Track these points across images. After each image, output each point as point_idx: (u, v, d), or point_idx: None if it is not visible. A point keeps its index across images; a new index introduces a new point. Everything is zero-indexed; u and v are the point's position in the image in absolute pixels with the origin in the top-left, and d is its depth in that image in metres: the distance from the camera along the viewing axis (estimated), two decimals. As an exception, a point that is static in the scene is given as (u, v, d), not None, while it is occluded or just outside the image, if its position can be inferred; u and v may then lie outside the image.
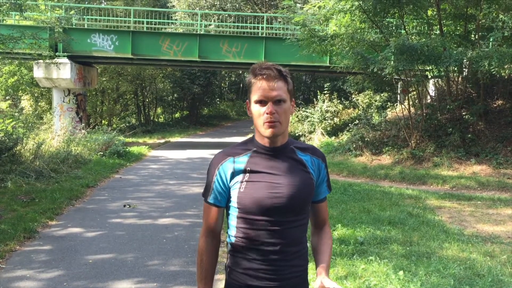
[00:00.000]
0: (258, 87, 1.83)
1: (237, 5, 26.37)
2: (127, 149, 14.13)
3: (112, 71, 24.41)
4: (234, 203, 1.90)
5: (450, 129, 12.67)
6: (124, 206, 7.94)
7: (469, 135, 12.49)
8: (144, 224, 6.86)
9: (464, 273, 4.83)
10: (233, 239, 1.93)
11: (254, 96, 1.85)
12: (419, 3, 12.01)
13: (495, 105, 13.76)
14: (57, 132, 13.72)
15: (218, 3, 25.75)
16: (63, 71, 15.76)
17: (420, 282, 4.53)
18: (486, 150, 12.00)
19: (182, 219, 7.18)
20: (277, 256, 1.87)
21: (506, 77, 12.56)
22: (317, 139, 17.17)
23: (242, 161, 1.90)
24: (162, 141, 19.96)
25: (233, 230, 1.93)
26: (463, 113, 13.07)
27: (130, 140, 17.60)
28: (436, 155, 12.14)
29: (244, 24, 18.69)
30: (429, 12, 13.32)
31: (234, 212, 1.92)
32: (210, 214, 1.97)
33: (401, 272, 4.75)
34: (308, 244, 2.11)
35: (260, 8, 26.27)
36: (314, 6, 13.68)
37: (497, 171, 11.07)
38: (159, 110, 31.04)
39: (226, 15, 22.58)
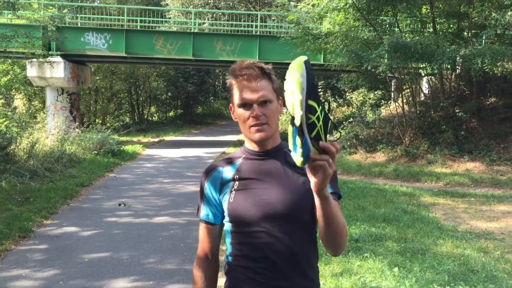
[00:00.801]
0: (240, 89, 1.66)
1: (231, 3, 26.34)
2: (121, 148, 14.10)
3: (106, 70, 24.33)
4: (226, 216, 1.72)
5: (444, 126, 12.75)
6: (119, 205, 7.93)
7: (462, 132, 12.58)
8: (139, 223, 6.86)
9: (458, 269, 4.88)
10: (230, 258, 1.75)
11: (237, 99, 1.67)
12: (412, 1, 12.07)
13: (488, 103, 13.86)
14: (51, 131, 13.66)
15: (212, 1, 25.72)
16: (57, 70, 15.69)
17: (415, 278, 4.57)
18: (479, 147, 12.09)
19: (177, 218, 7.19)
20: (274, 273, 1.65)
21: (499, 74, 12.64)
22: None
23: (230, 170, 1.74)
24: (157, 139, 19.93)
25: (229, 247, 1.76)
26: (456, 111, 13.16)
27: (124, 139, 17.56)
28: (430, 152, 12.21)
29: (238, 23, 18.69)
30: (423, 10, 13.38)
31: (228, 228, 1.74)
32: (203, 233, 1.80)
33: (396, 269, 4.79)
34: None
35: (254, 6, 26.27)
36: (308, 4, 13.69)
37: (490, 168, 11.16)
38: (153, 109, 30.99)
39: (220, 13, 22.57)
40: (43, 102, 21.30)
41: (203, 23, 21.16)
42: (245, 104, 1.66)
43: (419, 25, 13.83)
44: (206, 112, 34.47)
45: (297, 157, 1.35)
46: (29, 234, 6.16)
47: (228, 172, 1.74)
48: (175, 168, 12.27)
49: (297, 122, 1.31)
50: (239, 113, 1.68)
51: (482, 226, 6.97)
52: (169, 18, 22.66)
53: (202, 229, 1.81)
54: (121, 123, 21.92)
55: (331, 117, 1.30)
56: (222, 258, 1.87)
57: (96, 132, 14.74)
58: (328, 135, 1.36)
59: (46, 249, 5.63)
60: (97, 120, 24.59)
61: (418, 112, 13.60)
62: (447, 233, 6.28)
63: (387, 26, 13.82)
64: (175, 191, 9.30)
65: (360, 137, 14.17)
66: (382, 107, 16.74)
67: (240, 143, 18.27)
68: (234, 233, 1.72)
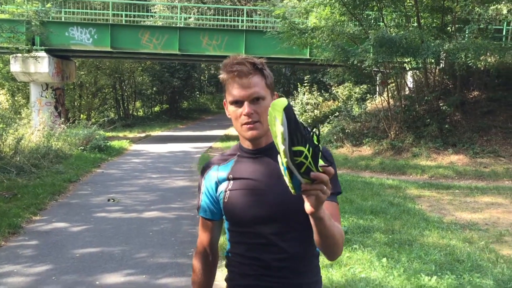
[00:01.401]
0: (232, 86, 1.63)
1: (217, -2, 26.32)
2: (108, 144, 14.03)
3: (90, 65, 24.12)
4: (224, 215, 1.73)
5: (428, 120, 12.94)
6: (108, 200, 7.93)
7: (446, 126, 12.78)
8: (129, 218, 6.87)
9: (444, 259, 5.00)
10: (229, 254, 1.77)
11: (229, 96, 1.65)
12: (397, -4, 12.21)
13: (471, 96, 14.09)
14: (36, 127, 13.52)
15: (197, -5, 25.65)
16: (41, 65, 15.51)
17: (402, 268, 4.68)
18: (463, 140, 12.30)
19: (167, 212, 7.22)
20: (269, 271, 1.65)
21: (482, 68, 12.86)
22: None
23: (225, 168, 1.73)
24: (143, 135, 19.86)
25: (228, 244, 1.78)
26: (441, 104, 13.35)
27: (110, 134, 17.46)
28: (415, 145, 12.39)
29: (224, 17, 18.66)
30: (409, 5, 13.51)
31: (226, 225, 1.77)
32: (202, 228, 1.83)
33: (384, 259, 4.90)
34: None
35: (240, 0, 26.22)
36: (294, -1, 13.77)
37: (474, 160, 11.37)
38: (138, 104, 30.80)
39: (206, 8, 22.49)
40: (27, 97, 21.05)
41: (189, 17, 21.09)
42: (237, 102, 1.63)
43: (404, 20, 13.98)
44: (192, 107, 34.36)
45: (289, 186, 1.33)
46: (18, 230, 6.14)
47: (222, 170, 1.73)
48: (162, 163, 12.27)
49: (284, 163, 1.28)
50: (231, 110, 1.66)
51: (467, 217, 7.13)
52: (155, 12, 22.51)
53: (200, 224, 1.83)
54: (106, 119, 21.76)
55: (320, 145, 1.32)
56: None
57: (82, 127, 14.64)
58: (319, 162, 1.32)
59: (37, 245, 5.62)
60: (81, 115, 24.37)
61: (403, 106, 13.78)
62: (433, 224, 6.41)
63: (373, 20, 13.94)
64: (164, 186, 9.32)
65: (346, 131, 14.30)
66: (368, 101, 16.89)
67: (226, 138, 18.30)
68: (231, 231, 1.74)
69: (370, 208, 7.13)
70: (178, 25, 17.81)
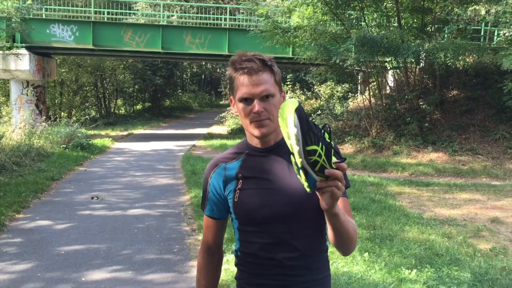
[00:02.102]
0: (241, 83, 1.60)
1: (200, -4, 26.26)
2: (90, 142, 13.96)
3: (72, 62, 23.87)
4: (232, 214, 1.72)
5: (409, 118, 13.17)
6: (92, 198, 7.92)
7: (426, 124, 13.03)
8: (114, 215, 6.89)
9: (424, 253, 5.15)
10: (238, 253, 1.75)
11: (238, 93, 1.61)
12: (378, -4, 12.40)
13: (450, 95, 14.37)
14: (17, 125, 13.38)
15: (180, -7, 25.55)
16: (22, 62, 15.33)
17: (384, 263, 4.81)
18: (442, 138, 12.56)
19: (152, 210, 7.25)
20: (281, 270, 1.64)
21: (460, 68, 13.13)
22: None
23: (233, 167, 1.70)
24: (125, 133, 19.75)
25: (237, 243, 1.77)
26: (421, 103, 13.61)
27: (92, 132, 17.33)
28: (396, 143, 12.61)
29: (207, 16, 18.67)
30: (390, 6, 13.72)
31: (235, 224, 1.74)
32: (207, 227, 1.81)
33: (366, 254, 5.02)
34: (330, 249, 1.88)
35: (222, -1, 26.24)
36: (277, -2, 13.87)
37: (453, 158, 11.63)
38: (120, 102, 30.58)
39: (189, 6, 22.44)
40: (6, 95, 20.77)
41: (172, 15, 21.04)
42: (246, 99, 1.60)
43: (385, 20, 14.20)
44: (175, 105, 34.24)
45: (304, 185, 1.35)
46: (1, 228, 6.11)
47: (231, 169, 1.70)
48: (146, 161, 12.26)
49: (299, 165, 1.30)
50: (239, 107, 1.63)
51: (446, 213, 7.31)
52: (137, 10, 22.39)
53: (206, 223, 1.81)
54: (88, 117, 21.58)
55: (332, 143, 1.34)
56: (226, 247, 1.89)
57: (64, 126, 14.52)
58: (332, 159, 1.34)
59: (21, 242, 5.61)
60: (62, 113, 24.12)
61: (384, 104, 13.99)
62: (413, 220, 6.57)
63: (354, 20, 14.12)
64: (148, 184, 9.33)
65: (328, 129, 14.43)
66: (350, 100, 17.10)
67: (209, 136, 18.33)
68: (241, 231, 1.71)
69: (352, 205, 7.25)
70: (161, 23, 17.76)
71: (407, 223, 6.41)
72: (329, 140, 1.33)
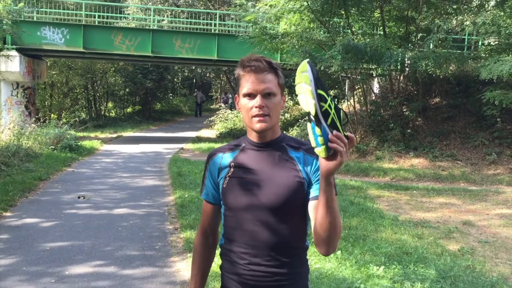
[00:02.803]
0: (247, 80, 1.74)
1: (190, 1, 26.51)
2: (79, 143, 14.11)
3: (62, 65, 24.00)
4: (222, 200, 1.86)
5: (392, 124, 13.49)
6: (79, 197, 8.10)
7: (409, 130, 13.36)
8: (99, 214, 7.08)
9: (394, 252, 5.41)
10: (222, 240, 1.89)
11: (243, 89, 1.76)
12: (363, 5, 12.72)
13: (433, 103, 14.73)
14: (6, 125, 13.49)
15: (171, -2, 25.84)
16: (12, 64, 15.47)
17: (355, 260, 5.06)
18: (424, 144, 12.89)
19: (137, 209, 7.45)
20: (259, 259, 1.75)
21: (441, 76, 13.48)
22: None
23: (229, 156, 1.86)
24: (115, 135, 19.90)
25: (222, 229, 1.90)
26: (404, 110, 13.94)
27: (81, 134, 17.48)
28: (379, 149, 12.92)
29: (197, 21, 18.92)
30: (376, 15, 14.06)
31: (222, 210, 1.88)
32: (203, 210, 1.96)
33: (338, 252, 5.27)
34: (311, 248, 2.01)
35: (213, 4, 26.51)
36: (266, 5, 14.13)
37: (433, 164, 11.95)
38: (110, 105, 30.69)
39: (179, 11, 22.68)
40: (-4, 96, 20.81)
41: (162, 20, 21.27)
42: (250, 94, 1.74)
43: (370, 28, 14.53)
44: (165, 108, 34.40)
45: (320, 149, 1.46)
46: (-11, 225, 6.29)
47: (226, 158, 1.85)
48: (134, 163, 12.44)
49: (312, 111, 1.43)
50: (243, 103, 1.76)
51: (421, 216, 7.59)
52: (128, 14, 22.59)
53: (203, 207, 1.97)
54: (78, 119, 21.68)
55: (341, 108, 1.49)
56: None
57: (53, 127, 14.66)
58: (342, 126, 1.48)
59: (7, 238, 5.79)
60: (52, 115, 24.21)
61: (369, 110, 14.31)
62: (388, 222, 6.83)
63: (340, 28, 14.43)
64: (134, 185, 9.52)
65: (314, 134, 14.71)
66: (336, 105, 17.41)
67: (198, 140, 18.53)
68: (227, 216, 1.84)
69: (331, 207, 7.48)
70: (151, 27, 17.98)
71: (382, 224, 6.67)
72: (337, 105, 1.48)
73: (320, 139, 1.45)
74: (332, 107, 1.44)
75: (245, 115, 1.78)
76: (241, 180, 1.78)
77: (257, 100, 1.72)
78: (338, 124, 1.44)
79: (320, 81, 1.46)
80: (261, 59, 1.75)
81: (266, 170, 1.77)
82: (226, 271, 1.86)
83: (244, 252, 1.77)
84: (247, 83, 1.74)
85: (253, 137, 1.82)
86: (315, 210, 1.65)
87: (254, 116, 1.74)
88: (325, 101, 1.43)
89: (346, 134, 1.46)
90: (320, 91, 1.43)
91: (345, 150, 1.46)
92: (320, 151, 1.46)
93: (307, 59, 1.50)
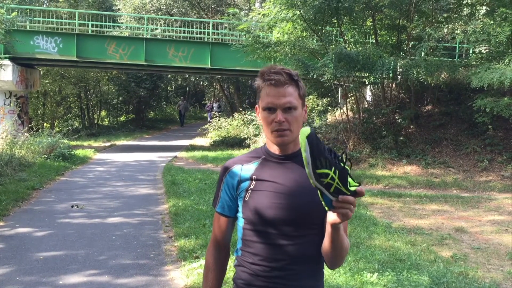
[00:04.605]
0: (267, 93, 1.72)
1: (184, 10, 26.61)
2: (72, 152, 14.06)
3: (55, 74, 23.94)
4: (240, 213, 1.81)
5: (385, 132, 13.58)
6: (72, 206, 8.08)
7: (401, 138, 13.45)
8: (93, 223, 7.07)
9: (387, 259, 5.45)
10: (239, 252, 1.85)
11: (263, 103, 1.74)
12: (355, 14, 12.84)
13: (425, 110, 14.85)
14: (-2, 135, 13.47)
15: (165, 7, 25.88)
16: (5, 73, 15.43)
17: (348, 267, 5.09)
18: (416, 152, 12.98)
19: (130, 218, 7.45)
20: (281, 273, 1.73)
21: (433, 84, 13.61)
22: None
23: (249, 168, 1.81)
24: (108, 144, 19.85)
25: (239, 242, 1.86)
26: (396, 117, 14.05)
27: (74, 143, 17.42)
28: (372, 156, 12.98)
29: (190, 29, 18.99)
30: (368, 23, 14.20)
31: (240, 223, 1.83)
32: (217, 224, 1.89)
33: (332, 259, 5.29)
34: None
35: (207, 13, 26.63)
36: (259, 14, 14.23)
37: (426, 171, 12.02)
38: (103, 113, 30.63)
39: (173, 20, 22.77)
40: (-12, 105, 20.71)
41: (156, 29, 21.32)
42: (270, 108, 1.72)
43: (363, 37, 14.65)
44: (158, 117, 34.37)
45: (322, 203, 1.50)
46: (-18, 235, 6.26)
47: (247, 170, 1.80)
48: (127, 172, 12.42)
49: (312, 185, 1.47)
50: (263, 116, 1.75)
51: (414, 222, 7.65)
52: (121, 23, 22.64)
53: (216, 220, 1.89)
54: (71, 128, 21.62)
55: (349, 168, 1.48)
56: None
57: (46, 136, 14.61)
58: (349, 183, 1.46)
59: (0, 248, 5.77)
60: (45, 124, 24.12)
61: (361, 118, 14.40)
62: (381, 229, 6.88)
63: (333, 36, 14.55)
64: (128, 194, 9.51)
65: (307, 142, 14.77)
66: (329, 113, 17.50)
67: (192, 148, 18.53)
68: (246, 230, 1.79)
69: (324, 214, 7.52)
70: (144, 36, 18.03)
71: (375, 231, 6.71)
72: (344, 166, 1.46)
73: (323, 202, 1.49)
74: (336, 177, 1.43)
75: (265, 128, 1.77)
76: (264, 193, 1.74)
77: (277, 115, 1.70)
78: (342, 189, 1.45)
79: (321, 152, 1.44)
80: (281, 72, 1.72)
81: (290, 183, 1.74)
82: (244, 283, 1.81)
83: (267, 265, 1.74)
84: (267, 97, 1.72)
85: (274, 149, 1.80)
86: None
87: (275, 131, 1.72)
88: (326, 176, 1.43)
89: (354, 189, 1.46)
90: (319, 171, 1.43)
91: (352, 208, 1.46)
92: (323, 205, 1.51)
93: (308, 129, 1.46)
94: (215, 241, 1.91)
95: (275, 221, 1.72)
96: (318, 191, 1.47)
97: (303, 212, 1.71)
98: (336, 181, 1.42)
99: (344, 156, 1.48)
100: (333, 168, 1.42)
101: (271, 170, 1.77)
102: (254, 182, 1.77)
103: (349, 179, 1.45)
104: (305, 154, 1.43)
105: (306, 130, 1.44)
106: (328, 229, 1.57)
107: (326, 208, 1.49)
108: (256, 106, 1.82)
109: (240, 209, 1.80)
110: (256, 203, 1.74)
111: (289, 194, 1.72)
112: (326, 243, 1.63)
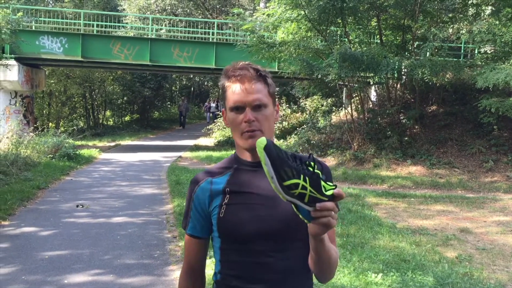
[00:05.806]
0: (233, 92, 1.53)
1: (188, 10, 26.68)
2: (77, 152, 14.12)
3: (61, 74, 24.05)
4: (215, 232, 1.59)
5: (389, 132, 13.55)
6: (77, 206, 8.11)
7: (406, 138, 13.42)
8: (97, 223, 7.09)
9: (392, 259, 5.44)
10: (218, 276, 1.62)
11: (229, 102, 1.55)
12: (360, 14, 12.83)
13: (430, 110, 14.81)
14: (4, 134, 13.52)
15: (169, 8, 25.96)
16: (10, 73, 15.52)
17: (353, 267, 5.09)
18: (421, 152, 12.95)
19: (135, 218, 7.47)
20: None
21: (438, 84, 13.57)
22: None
23: (221, 181, 1.59)
24: (113, 144, 19.91)
25: (217, 265, 1.63)
26: (401, 118, 14.02)
27: (79, 143, 17.49)
28: (376, 156, 12.96)
29: (195, 30, 19.02)
30: (373, 23, 14.18)
31: (217, 244, 1.61)
32: (190, 247, 1.66)
33: (337, 259, 5.29)
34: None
35: (211, 13, 26.68)
36: (264, 14, 14.24)
37: (430, 171, 11.99)
38: (108, 113, 30.72)
39: (177, 20, 22.82)
40: (-6, 105, 20.81)
41: (160, 29, 21.37)
42: (238, 108, 1.53)
43: (367, 37, 14.64)
44: (163, 117, 34.43)
45: (300, 216, 1.33)
46: (-13, 234, 6.30)
47: (218, 183, 1.60)
48: (132, 172, 12.45)
49: (284, 200, 1.30)
50: (230, 117, 1.56)
51: (418, 223, 7.62)
52: (126, 23, 22.71)
53: (188, 242, 1.67)
54: (76, 127, 21.71)
55: (319, 172, 1.30)
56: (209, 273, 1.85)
57: (51, 136, 14.67)
58: (324, 187, 1.29)
59: (6, 248, 5.80)
60: (50, 124, 24.22)
61: (366, 118, 14.38)
62: (386, 229, 6.87)
63: (337, 37, 14.54)
64: (133, 193, 9.54)
65: (311, 141, 14.80)
66: (333, 113, 17.49)
67: (196, 148, 18.56)
68: (224, 250, 1.59)
69: (329, 214, 7.51)
70: (149, 36, 18.07)
71: (380, 232, 6.70)
72: (313, 170, 1.29)
73: (300, 215, 1.33)
74: (307, 184, 1.26)
75: (233, 132, 1.57)
76: (242, 207, 1.54)
77: (246, 114, 1.52)
78: (317, 195, 1.27)
79: (283, 162, 1.27)
80: (247, 67, 1.56)
81: (266, 193, 1.53)
82: None
83: (254, 286, 1.55)
84: (233, 95, 1.54)
85: (246, 156, 1.60)
86: None
87: (244, 132, 1.53)
88: (296, 186, 1.26)
89: (331, 193, 1.29)
90: (287, 183, 1.26)
91: (333, 215, 1.29)
92: (301, 218, 1.34)
93: (264, 140, 1.27)
94: (188, 268, 1.68)
95: (258, 236, 1.52)
96: (292, 205, 1.30)
97: (285, 224, 1.51)
98: (308, 189, 1.26)
99: (310, 159, 1.31)
100: (301, 176, 1.26)
101: (245, 180, 1.58)
102: (228, 196, 1.56)
103: (323, 183, 1.28)
104: (267, 168, 1.26)
105: (262, 141, 1.27)
106: (311, 242, 1.40)
107: (306, 221, 1.32)
108: (223, 109, 1.64)
109: (215, 228, 1.58)
110: (234, 219, 1.53)
111: (269, 204, 1.53)
112: (311, 257, 1.46)
